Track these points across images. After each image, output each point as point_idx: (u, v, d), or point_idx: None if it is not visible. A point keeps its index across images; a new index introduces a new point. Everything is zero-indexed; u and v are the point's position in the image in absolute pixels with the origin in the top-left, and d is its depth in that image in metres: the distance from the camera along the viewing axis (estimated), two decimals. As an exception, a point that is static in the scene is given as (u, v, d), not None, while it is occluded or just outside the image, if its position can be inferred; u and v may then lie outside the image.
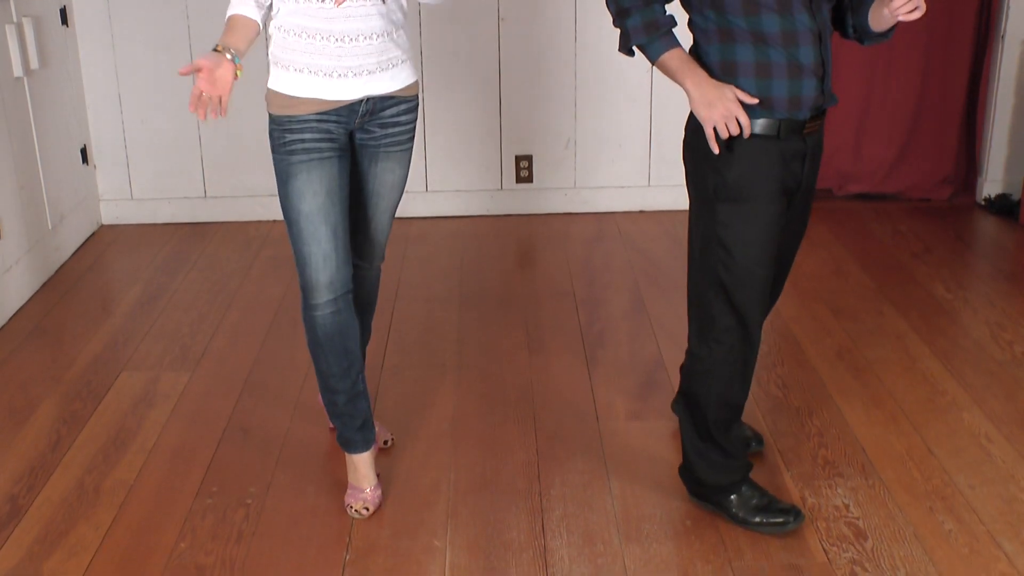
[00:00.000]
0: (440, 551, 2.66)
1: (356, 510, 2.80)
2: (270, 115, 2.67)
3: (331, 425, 3.08)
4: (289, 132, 2.63)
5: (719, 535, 2.69)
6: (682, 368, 2.79)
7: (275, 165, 2.67)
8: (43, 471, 3.02)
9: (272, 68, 2.65)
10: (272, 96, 2.66)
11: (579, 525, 2.75)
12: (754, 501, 2.72)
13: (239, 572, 2.59)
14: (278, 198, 2.70)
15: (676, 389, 3.38)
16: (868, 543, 2.66)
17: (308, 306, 2.72)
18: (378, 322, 3.47)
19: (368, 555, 2.65)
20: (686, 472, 2.81)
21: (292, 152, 2.63)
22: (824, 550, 2.63)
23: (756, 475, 2.93)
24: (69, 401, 3.41)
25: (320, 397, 2.94)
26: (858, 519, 2.75)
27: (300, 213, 2.64)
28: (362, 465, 2.85)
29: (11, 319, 4.02)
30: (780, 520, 2.69)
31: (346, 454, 2.87)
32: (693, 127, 2.55)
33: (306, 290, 2.71)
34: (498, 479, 2.96)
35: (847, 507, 2.80)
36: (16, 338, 3.87)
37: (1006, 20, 4.91)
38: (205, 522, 2.78)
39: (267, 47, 2.67)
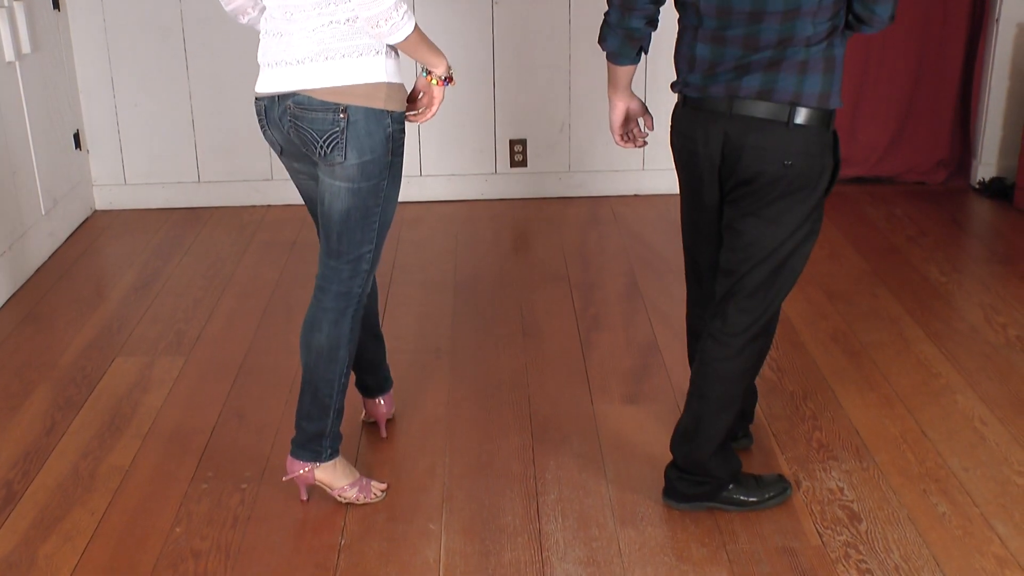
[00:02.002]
0: (435, 535, 2.66)
1: (382, 491, 2.81)
2: (392, 114, 2.49)
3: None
4: (404, 131, 2.55)
5: (714, 518, 2.70)
6: (704, 372, 2.64)
7: (391, 170, 2.53)
8: (38, 456, 3.02)
9: (389, 60, 2.47)
10: (393, 90, 2.48)
11: (574, 509, 2.75)
12: (751, 482, 2.72)
13: (234, 557, 2.59)
14: (382, 201, 2.56)
15: (672, 383, 3.39)
16: (862, 526, 2.66)
17: (363, 301, 2.68)
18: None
19: (363, 539, 2.65)
20: (690, 475, 2.70)
21: (402, 153, 2.57)
22: (818, 533, 2.64)
23: (752, 458, 2.95)
24: (64, 387, 3.41)
25: (338, 402, 2.74)
26: (852, 502, 2.76)
27: (393, 218, 2.63)
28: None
29: (4, 305, 4.02)
30: (781, 487, 2.74)
31: (338, 456, 2.78)
32: (815, 117, 2.40)
33: (367, 287, 2.66)
34: (493, 463, 2.96)
35: (841, 490, 2.81)
36: (10, 324, 3.87)
37: (1001, 3, 4.90)
38: (200, 507, 2.78)
39: (332, 41, 2.43)
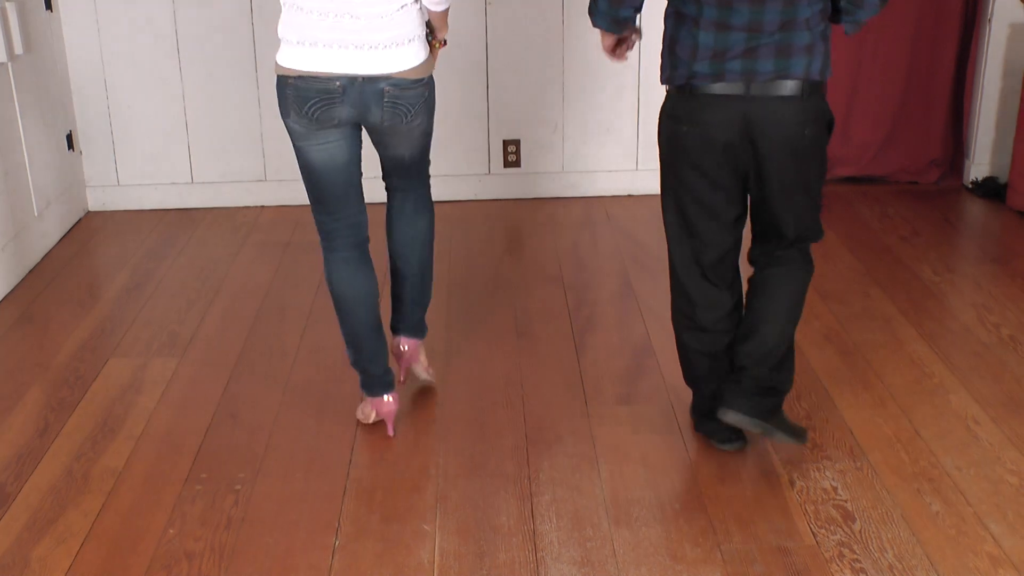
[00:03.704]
0: (429, 536, 2.66)
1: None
2: (433, 79, 2.91)
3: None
4: None
5: (708, 518, 2.70)
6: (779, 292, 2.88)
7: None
8: (31, 458, 3.01)
9: (420, 43, 2.83)
10: (430, 65, 2.89)
11: (568, 509, 2.75)
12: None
13: (228, 558, 2.59)
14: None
15: (666, 383, 3.39)
16: (856, 525, 2.67)
17: None
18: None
19: (357, 540, 2.65)
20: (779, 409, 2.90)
21: None
22: (812, 532, 2.64)
23: (746, 458, 2.95)
24: (57, 388, 3.40)
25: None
26: (846, 501, 2.76)
27: None
28: None
29: (-2, 306, 4.02)
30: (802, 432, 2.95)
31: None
32: (818, 87, 2.62)
33: None
34: (487, 464, 2.96)
35: (835, 489, 2.81)
36: (2, 325, 3.86)
37: (993, 3, 4.91)
38: (194, 508, 2.78)
39: (406, 24, 2.78)
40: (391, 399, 3.09)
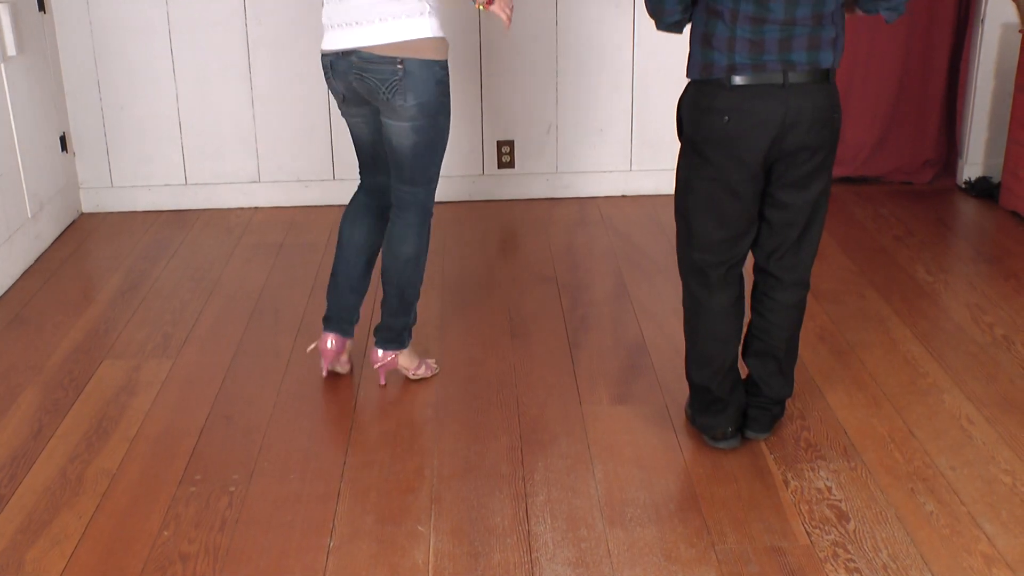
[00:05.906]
0: (424, 537, 2.66)
1: (436, 365, 3.45)
2: (441, 62, 2.99)
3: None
4: (448, 75, 3.06)
5: (702, 519, 2.70)
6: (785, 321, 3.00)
7: (446, 111, 3.06)
8: (25, 460, 3.01)
9: (433, 19, 2.96)
10: (438, 43, 2.99)
11: (563, 510, 2.75)
12: None
13: (222, 559, 2.59)
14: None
15: (660, 383, 3.40)
16: (850, 525, 2.67)
17: (432, 213, 3.28)
18: (361, 308, 3.48)
19: (352, 541, 2.65)
20: (777, 406, 3.06)
21: (449, 93, 3.07)
22: (807, 532, 2.64)
23: (740, 456, 2.95)
24: (51, 390, 3.39)
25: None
26: (840, 501, 2.77)
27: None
28: None
29: (-9, 308, 4.01)
30: None
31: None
32: (834, 74, 2.74)
33: (434, 198, 3.24)
34: (482, 464, 2.96)
35: (829, 489, 2.81)
36: (-4, 327, 3.86)
37: (985, 4, 4.92)
38: (188, 510, 2.78)
39: (390, 4, 2.91)
40: (333, 342, 3.35)
